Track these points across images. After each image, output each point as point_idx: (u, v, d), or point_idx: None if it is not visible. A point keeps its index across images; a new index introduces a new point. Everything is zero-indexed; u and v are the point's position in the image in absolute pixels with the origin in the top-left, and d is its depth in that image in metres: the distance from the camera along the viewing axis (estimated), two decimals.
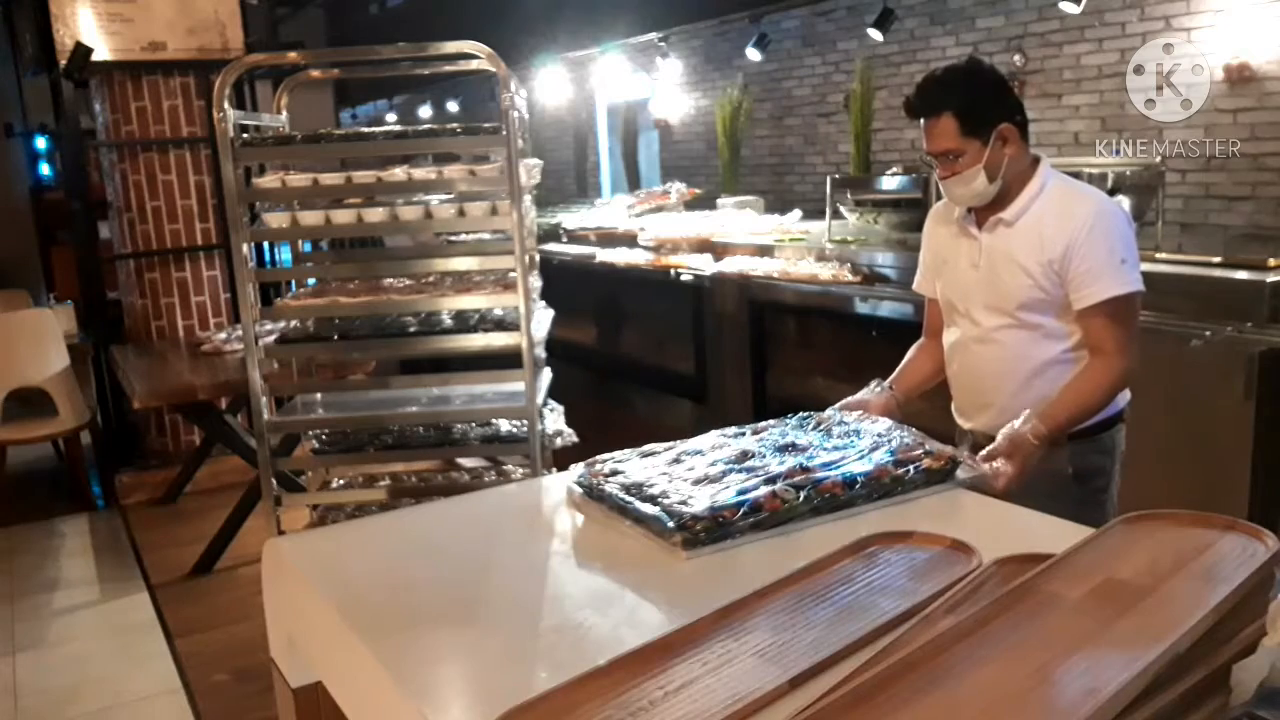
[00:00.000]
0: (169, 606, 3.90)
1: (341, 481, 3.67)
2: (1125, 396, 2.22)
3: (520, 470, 3.67)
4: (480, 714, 1.12)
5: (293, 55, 3.67)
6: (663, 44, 6.26)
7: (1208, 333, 2.70)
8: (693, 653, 1.23)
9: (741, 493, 1.65)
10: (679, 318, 4.72)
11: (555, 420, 3.43)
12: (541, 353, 3.44)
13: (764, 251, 4.39)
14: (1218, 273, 2.86)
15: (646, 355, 5.14)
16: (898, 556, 1.51)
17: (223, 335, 4.81)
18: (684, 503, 1.63)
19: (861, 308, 3.79)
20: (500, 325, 3.25)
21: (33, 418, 4.97)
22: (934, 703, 1.04)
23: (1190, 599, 1.14)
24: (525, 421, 3.25)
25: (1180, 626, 1.07)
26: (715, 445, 1.94)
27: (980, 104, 2.09)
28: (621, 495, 1.71)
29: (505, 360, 3.21)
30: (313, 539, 2.17)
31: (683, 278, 4.61)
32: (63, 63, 4.93)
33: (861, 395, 2.30)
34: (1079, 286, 2.06)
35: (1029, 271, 2.09)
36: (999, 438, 1.99)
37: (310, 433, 3.47)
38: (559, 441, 3.36)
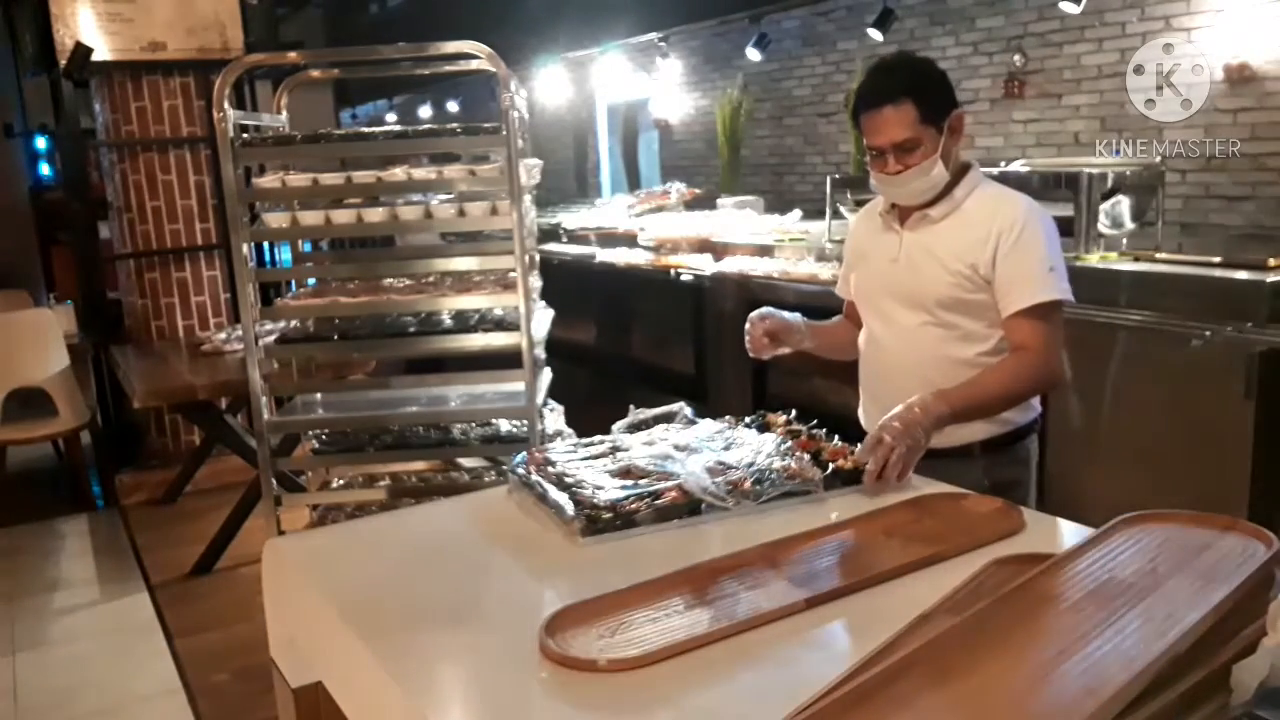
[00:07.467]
0: (169, 606, 3.89)
1: (341, 481, 3.67)
2: (1036, 408, 2.16)
3: None
4: (480, 714, 1.12)
5: (293, 55, 3.68)
6: (663, 44, 6.26)
7: (1208, 333, 2.70)
8: (736, 576, 1.44)
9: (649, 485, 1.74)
10: (679, 318, 4.72)
11: (555, 420, 3.43)
12: (541, 353, 3.44)
13: (764, 251, 4.39)
14: (1218, 273, 2.86)
15: (646, 355, 5.13)
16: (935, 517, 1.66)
17: (223, 335, 4.81)
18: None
19: None
20: (500, 325, 3.25)
21: (33, 418, 4.96)
22: (934, 702, 1.04)
23: (1190, 599, 1.14)
24: (525, 421, 3.25)
25: (1180, 627, 1.07)
26: (653, 440, 1.99)
27: (935, 89, 2.02)
28: (542, 483, 1.80)
29: (505, 360, 3.21)
30: (313, 539, 2.17)
31: (683, 278, 4.61)
32: (63, 63, 4.93)
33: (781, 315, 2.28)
34: (1006, 292, 1.99)
35: (949, 269, 2.03)
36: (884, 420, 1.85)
37: (310, 433, 3.48)
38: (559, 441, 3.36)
